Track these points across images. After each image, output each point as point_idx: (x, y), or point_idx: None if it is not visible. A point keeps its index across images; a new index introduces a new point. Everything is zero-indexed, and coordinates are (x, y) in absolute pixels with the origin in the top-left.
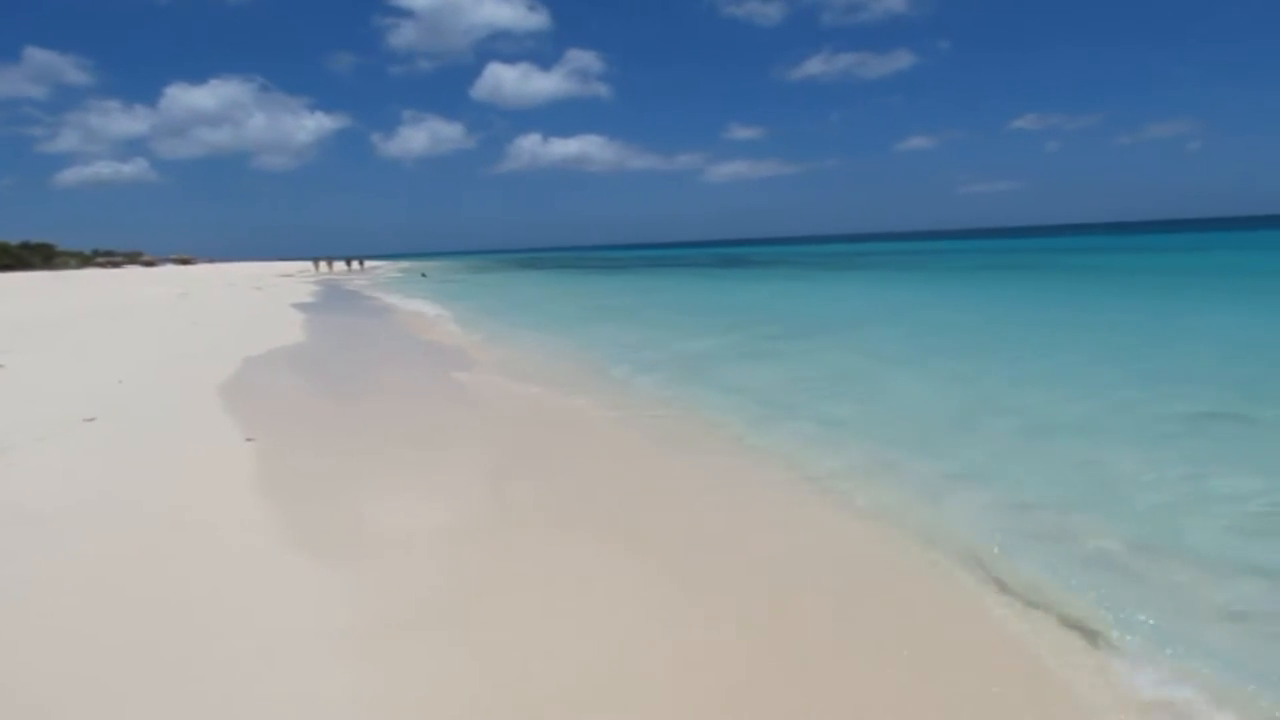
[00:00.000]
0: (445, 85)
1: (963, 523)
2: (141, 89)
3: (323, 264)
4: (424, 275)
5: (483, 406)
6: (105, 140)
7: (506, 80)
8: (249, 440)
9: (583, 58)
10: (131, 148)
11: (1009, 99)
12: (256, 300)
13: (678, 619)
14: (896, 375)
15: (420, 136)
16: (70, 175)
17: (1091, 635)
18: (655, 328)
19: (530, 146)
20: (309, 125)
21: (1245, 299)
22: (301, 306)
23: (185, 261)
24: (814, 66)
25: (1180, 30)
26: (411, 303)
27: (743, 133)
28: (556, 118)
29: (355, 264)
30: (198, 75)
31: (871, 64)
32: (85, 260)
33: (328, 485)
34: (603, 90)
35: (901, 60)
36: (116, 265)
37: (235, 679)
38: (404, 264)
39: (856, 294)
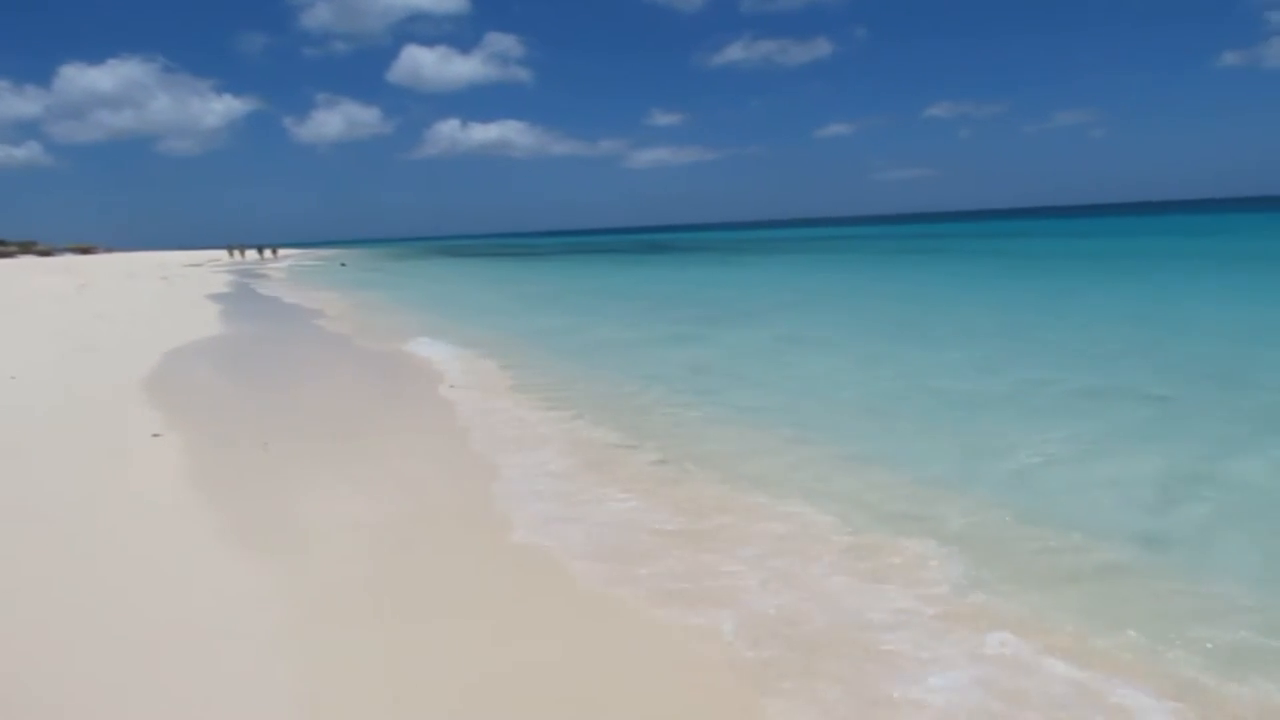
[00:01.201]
0: (361, 68)
1: (850, 497)
2: (32, 68)
3: (236, 252)
4: (343, 265)
5: (408, 398)
6: None
7: (424, 63)
8: (155, 436)
9: (503, 41)
10: (23, 130)
11: (923, 87)
12: (163, 291)
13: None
14: (810, 358)
15: (335, 120)
16: None
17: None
18: (582, 314)
19: (450, 132)
20: (217, 108)
21: (1148, 280)
22: (216, 298)
23: (85, 251)
24: (734, 53)
25: (1084, 19)
26: (328, 294)
27: (664, 119)
28: (476, 102)
29: (268, 252)
30: (94, 55)
31: (791, 51)
32: None
33: (252, 480)
34: (523, 75)
35: (820, 48)
36: (9, 255)
37: (157, 676)
38: (321, 252)
39: (776, 280)
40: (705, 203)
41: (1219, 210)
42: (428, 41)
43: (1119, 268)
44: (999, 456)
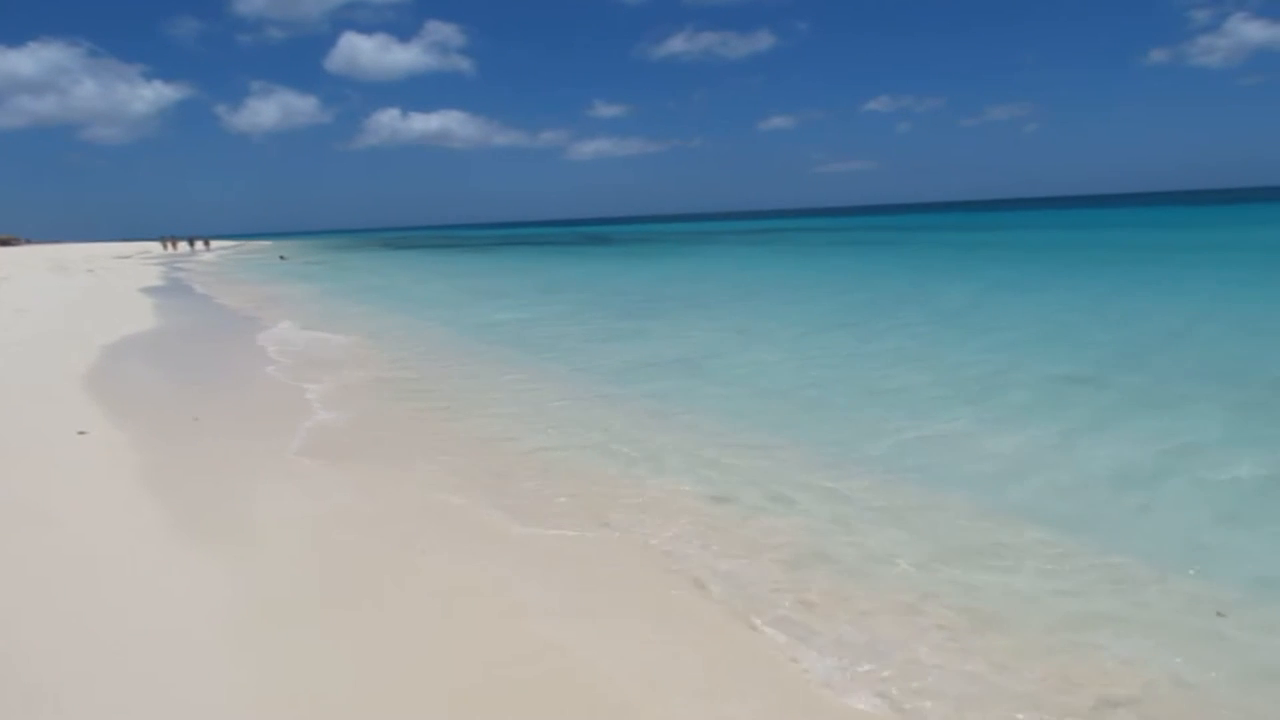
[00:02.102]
0: (297, 56)
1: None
2: None
3: (169, 244)
4: (283, 258)
5: (350, 391)
6: None
7: (363, 51)
8: (81, 434)
9: (443, 30)
10: None
11: (863, 81)
12: (90, 285)
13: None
14: (748, 350)
15: (270, 109)
16: None
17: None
18: (528, 308)
19: (389, 122)
20: (146, 95)
21: (1085, 273)
22: (147, 291)
23: (6, 242)
24: (677, 45)
25: (1018, 14)
26: (267, 289)
27: (607, 110)
28: (416, 92)
29: (200, 244)
30: (13, 37)
31: (733, 44)
32: None
33: (193, 476)
34: (464, 64)
35: (762, 41)
36: None
37: (108, 675)
38: (259, 244)
39: (720, 271)
40: (648, 195)
41: (1147, 204)
42: (366, 29)
43: (1058, 260)
44: (896, 437)
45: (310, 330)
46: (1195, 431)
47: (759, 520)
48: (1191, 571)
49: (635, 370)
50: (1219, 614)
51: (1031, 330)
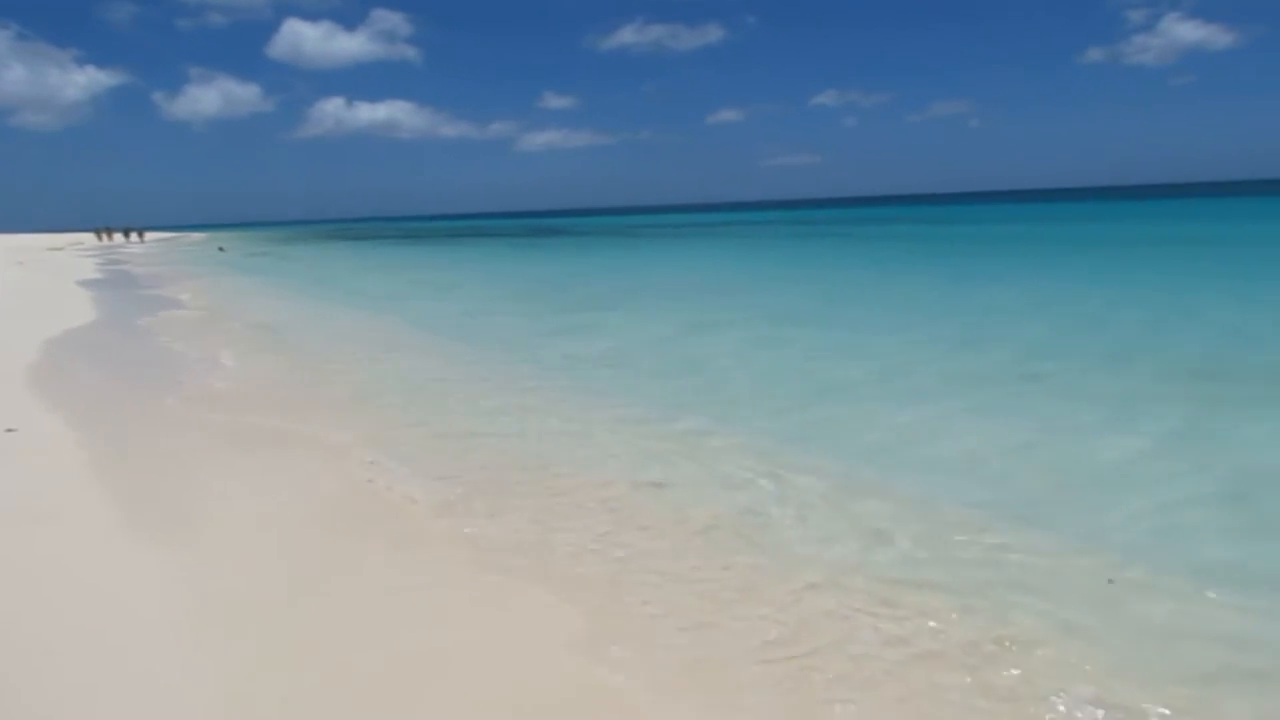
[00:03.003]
0: (239, 42)
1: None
2: None
3: (104, 235)
4: (221, 249)
5: (296, 388)
6: None
7: (307, 39)
8: (9, 431)
9: (390, 19)
10: None
11: (811, 75)
12: (20, 279)
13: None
14: (697, 342)
15: (211, 97)
16: None
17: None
18: (477, 300)
19: (334, 111)
20: (79, 81)
21: (1026, 267)
22: (81, 284)
23: None
24: (626, 36)
25: (962, 12)
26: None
27: (557, 102)
28: (362, 81)
29: (135, 235)
30: None
31: (683, 36)
32: None
33: (130, 472)
34: (411, 54)
35: (712, 34)
36: None
37: (61, 678)
38: (197, 236)
39: (673, 263)
40: (599, 187)
41: (1083, 199)
42: (310, 16)
43: (1004, 252)
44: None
45: (244, 325)
46: (1092, 413)
47: (675, 503)
48: (1087, 543)
49: (580, 363)
50: (1109, 580)
51: (966, 320)
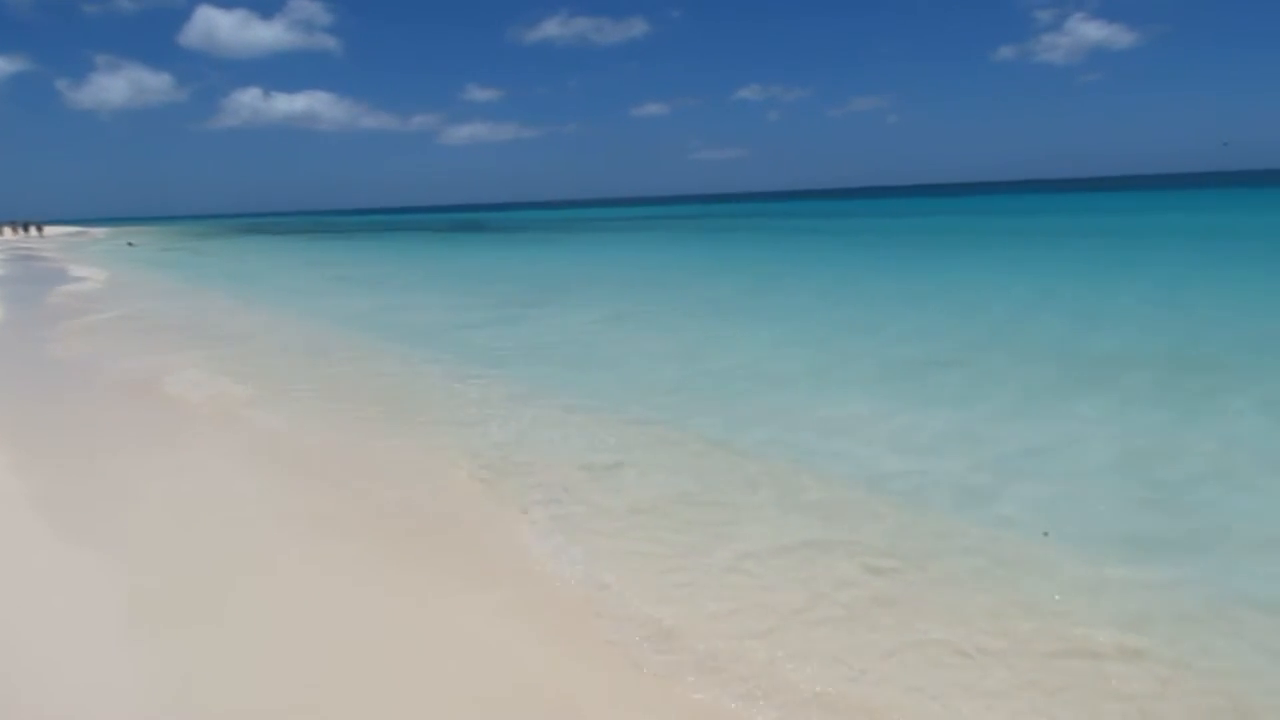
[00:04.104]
0: (148, 29)
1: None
2: None
3: (6, 229)
4: (131, 244)
5: (210, 381)
6: None
7: (221, 27)
8: None
9: (307, 8)
10: None
11: (735, 69)
12: None
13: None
14: (624, 337)
15: (119, 85)
16: None
17: None
18: (397, 294)
19: (250, 101)
20: None
21: (951, 259)
22: None
23: None
24: (551, 28)
25: (878, 6)
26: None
27: (481, 94)
28: (279, 71)
29: (33, 230)
30: None
31: (607, 30)
32: None
33: (46, 472)
34: (331, 43)
35: (636, 27)
36: None
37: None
38: (98, 231)
39: (598, 257)
40: (524, 181)
41: (998, 192)
42: (224, 4)
43: (922, 244)
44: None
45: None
46: (1008, 397)
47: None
48: (1021, 506)
49: (505, 355)
50: (1045, 533)
51: (884, 312)
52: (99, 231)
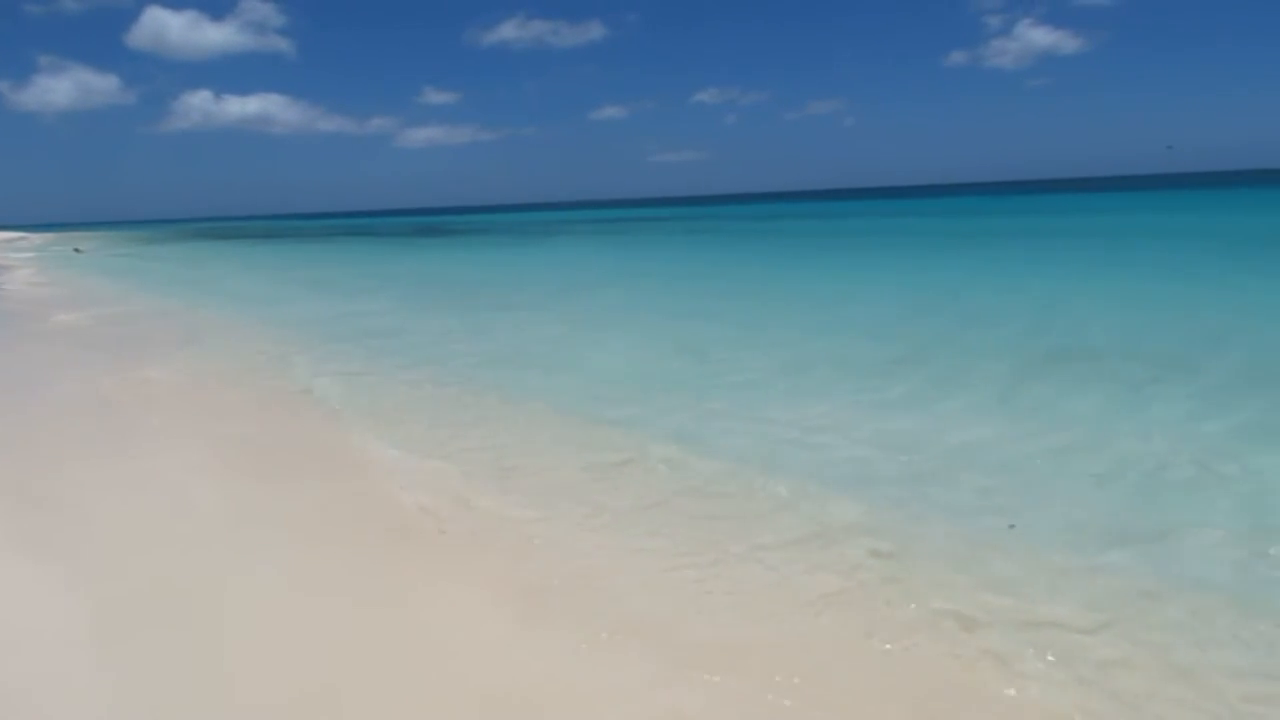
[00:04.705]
0: (94, 30)
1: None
2: None
3: None
4: (78, 251)
5: (176, 388)
6: None
7: (171, 28)
8: None
9: (260, 9)
10: None
11: (692, 72)
12: None
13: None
14: (584, 342)
15: (63, 87)
16: None
17: None
18: (355, 299)
19: (201, 104)
20: None
21: (909, 261)
22: None
23: None
24: (508, 31)
25: (834, 11)
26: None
27: (437, 97)
28: (231, 73)
29: None
30: None
31: (564, 33)
32: None
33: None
34: (284, 45)
35: (593, 31)
36: None
37: None
38: (38, 238)
39: (561, 262)
40: (482, 184)
41: (953, 194)
42: (174, 5)
43: (885, 245)
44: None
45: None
46: (976, 391)
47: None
48: (989, 498)
49: (464, 361)
50: (1010, 526)
51: (876, 319)
52: (39, 238)
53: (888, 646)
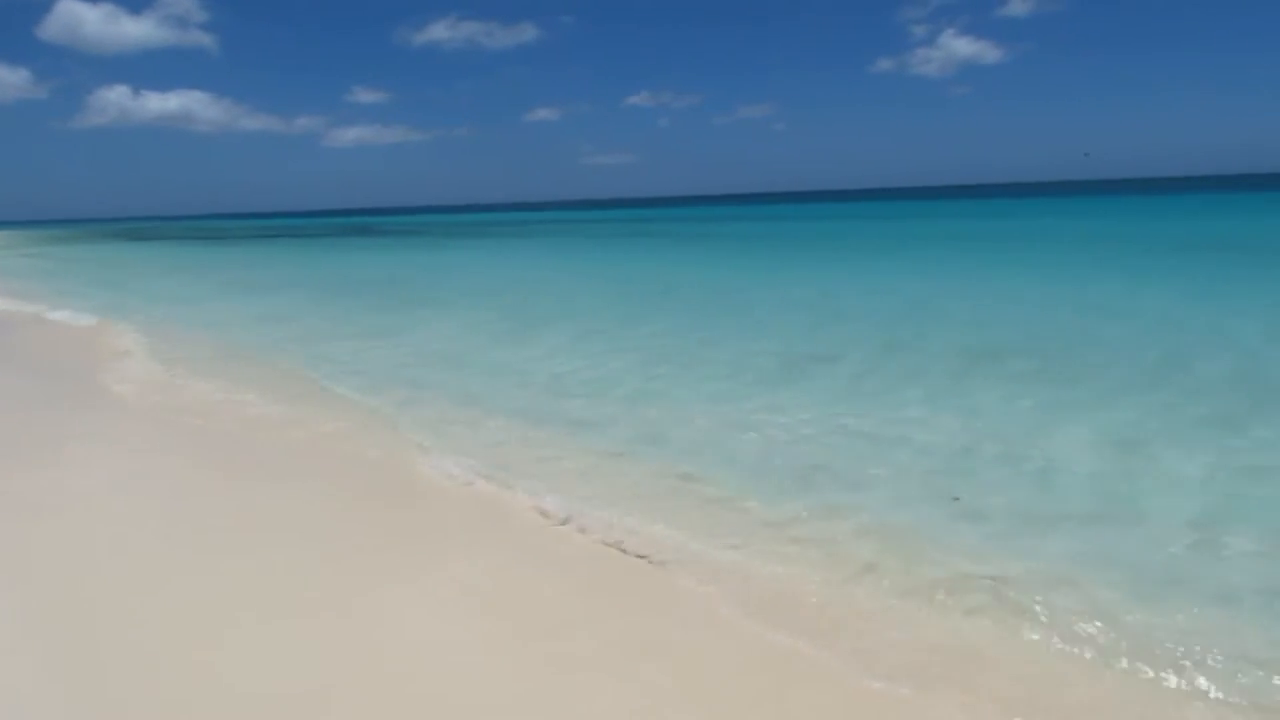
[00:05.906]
0: (3, 21)
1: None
2: None
3: None
4: None
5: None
6: None
7: (86, 21)
8: None
9: (181, 4)
10: None
11: (626, 75)
12: None
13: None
14: (510, 341)
15: None
16: None
17: None
18: (280, 304)
19: (118, 100)
20: None
21: (836, 262)
22: None
23: None
24: (439, 31)
25: (764, 16)
26: None
27: (367, 96)
28: (150, 69)
29: None
30: None
31: (497, 35)
32: None
33: None
34: (206, 40)
35: (526, 33)
36: None
37: None
38: None
39: (487, 263)
40: (415, 185)
41: (879, 199)
42: None
43: (811, 246)
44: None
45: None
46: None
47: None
48: (933, 472)
49: (395, 363)
50: (955, 498)
51: (802, 318)
52: None
53: None
